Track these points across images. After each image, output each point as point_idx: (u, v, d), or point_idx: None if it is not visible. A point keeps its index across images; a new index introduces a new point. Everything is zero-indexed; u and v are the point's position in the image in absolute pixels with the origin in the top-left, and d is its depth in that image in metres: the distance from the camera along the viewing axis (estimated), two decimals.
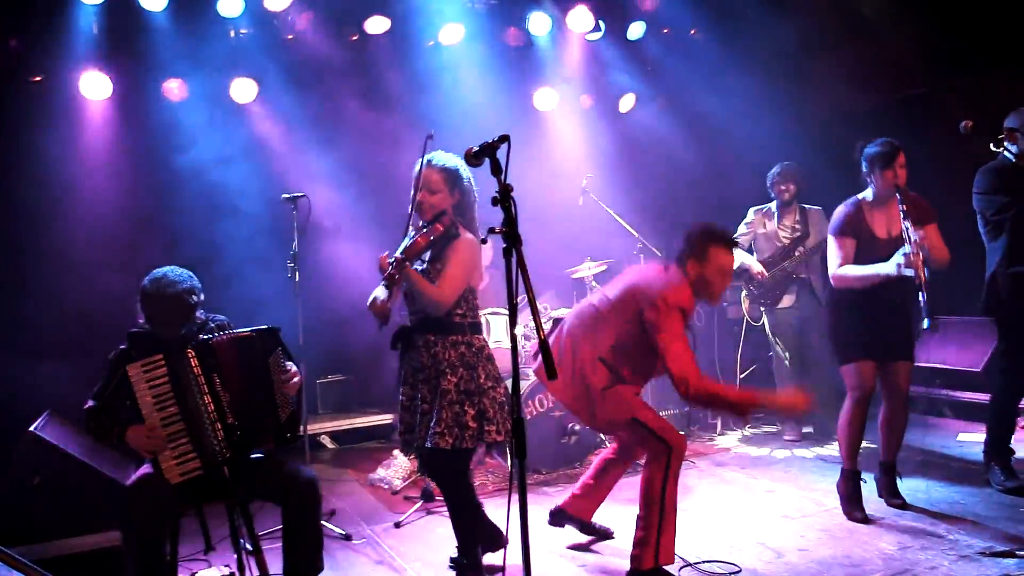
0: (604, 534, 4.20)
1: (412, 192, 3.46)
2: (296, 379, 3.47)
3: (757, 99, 6.98)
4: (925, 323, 4.00)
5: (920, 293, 3.99)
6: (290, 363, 3.47)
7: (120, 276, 4.64)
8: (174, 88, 5.96)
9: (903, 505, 4.44)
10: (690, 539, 4.09)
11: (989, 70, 6.23)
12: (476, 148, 2.48)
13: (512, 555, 2.43)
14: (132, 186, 5.94)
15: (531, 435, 5.03)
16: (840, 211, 4.40)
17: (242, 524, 3.42)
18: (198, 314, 3.42)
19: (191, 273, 3.40)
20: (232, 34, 6.07)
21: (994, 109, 4.66)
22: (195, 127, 5.99)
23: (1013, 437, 4.73)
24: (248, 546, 3.42)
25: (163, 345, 3.24)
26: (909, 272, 4.03)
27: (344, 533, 4.44)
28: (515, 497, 2.38)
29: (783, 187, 5.96)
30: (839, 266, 4.31)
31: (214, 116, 6.08)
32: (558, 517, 4.17)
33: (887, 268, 4.13)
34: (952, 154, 5.36)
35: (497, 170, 2.44)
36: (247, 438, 3.31)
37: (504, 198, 2.39)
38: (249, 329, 3.40)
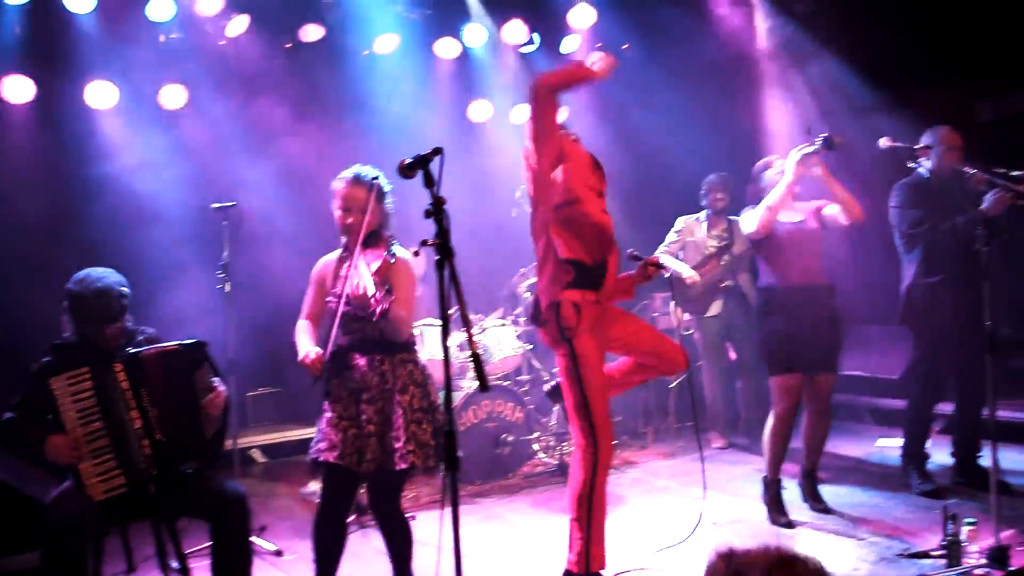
0: None
1: (341, 213, 3.30)
2: (220, 398, 3.35)
3: (686, 114, 7.15)
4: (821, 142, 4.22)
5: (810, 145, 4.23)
6: (216, 379, 3.38)
7: (41, 289, 4.49)
8: (100, 93, 5.80)
9: (826, 509, 4.57)
10: (621, 547, 4.13)
11: (905, 89, 6.53)
12: (409, 160, 2.47)
13: (445, 567, 2.43)
14: (53, 194, 5.74)
15: (465, 446, 5.04)
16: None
17: (169, 542, 3.34)
18: (127, 323, 3.35)
19: (116, 272, 3.33)
20: (162, 39, 5.95)
21: (912, 126, 4.87)
22: (122, 133, 5.84)
23: (928, 442, 4.93)
24: (175, 564, 3.35)
25: (89, 358, 3.16)
26: (798, 152, 4.25)
27: (275, 549, 4.36)
28: (448, 509, 2.38)
29: (718, 195, 6.11)
30: (753, 216, 4.40)
31: (142, 122, 5.94)
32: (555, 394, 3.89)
33: (785, 176, 4.28)
34: (871, 169, 5.59)
35: (430, 182, 2.44)
36: (175, 454, 3.24)
37: (437, 210, 2.40)
38: (176, 343, 3.32)
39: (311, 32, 6.27)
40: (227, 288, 4.86)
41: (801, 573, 1.36)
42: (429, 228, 2.43)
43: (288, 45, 6.36)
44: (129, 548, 3.41)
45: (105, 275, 3.26)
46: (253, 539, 3.61)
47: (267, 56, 6.25)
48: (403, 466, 3.17)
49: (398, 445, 3.19)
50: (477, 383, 2.36)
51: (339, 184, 3.34)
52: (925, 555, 3.80)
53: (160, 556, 3.36)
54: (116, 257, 5.30)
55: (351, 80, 6.58)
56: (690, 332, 6.36)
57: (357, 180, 3.32)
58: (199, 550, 4.00)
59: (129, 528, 3.39)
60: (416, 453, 3.20)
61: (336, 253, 3.45)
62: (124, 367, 3.17)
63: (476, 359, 2.30)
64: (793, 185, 4.29)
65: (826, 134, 4.15)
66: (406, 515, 3.45)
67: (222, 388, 3.38)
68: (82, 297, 3.19)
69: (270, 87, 6.42)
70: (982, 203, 4.37)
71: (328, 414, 3.32)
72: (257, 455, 6.53)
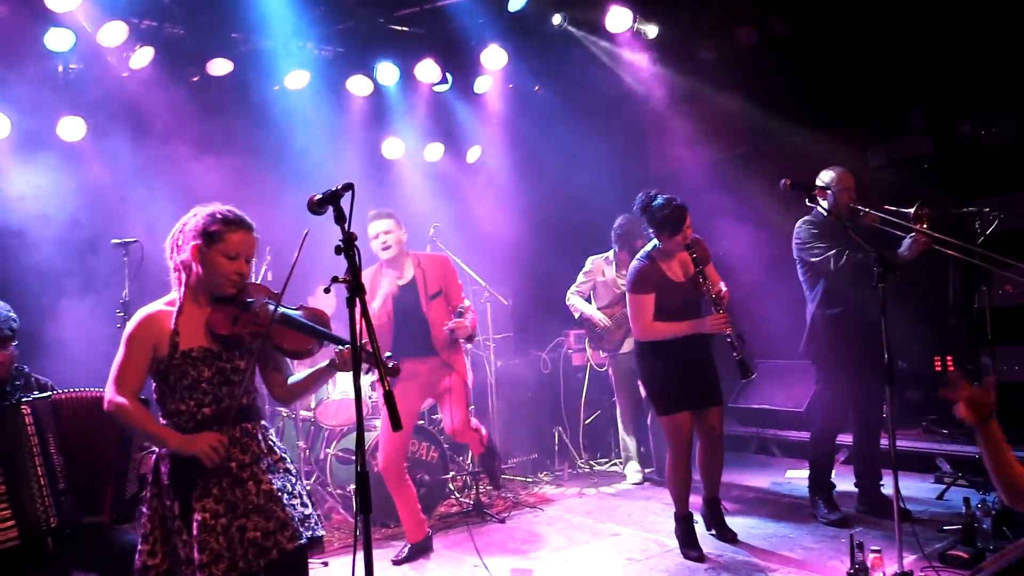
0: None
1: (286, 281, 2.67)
2: (153, 458, 3.18)
3: (598, 153, 7.30)
4: (743, 375, 4.34)
5: (733, 351, 4.29)
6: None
7: None
8: None
9: (734, 539, 4.66)
10: None
11: (801, 134, 6.84)
12: (319, 196, 2.43)
13: None
14: None
15: (378, 487, 4.91)
16: (635, 267, 4.55)
17: None
18: (15, 353, 3.16)
19: (6, 304, 3.15)
20: (60, 69, 5.72)
21: (809, 167, 5.09)
22: (15, 166, 5.57)
23: (833, 472, 5.08)
24: None
25: None
26: (720, 331, 4.33)
27: None
28: (360, 555, 2.31)
29: (637, 243, 6.18)
30: (647, 322, 4.47)
31: (37, 155, 5.68)
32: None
33: (696, 325, 4.40)
34: (771, 208, 5.81)
35: (341, 218, 2.41)
36: (80, 506, 3.05)
37: (348, 247, 2.36)
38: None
39: (219, 66, 6.14)
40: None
41: None
42: (340, 265, 2.39)
43: (195, 79, 6.20)
44: None
45: None
46: None
47: (173, 89, 6.08)
48: (321, 534, 2.78)
49: (309, 513, 2.78)
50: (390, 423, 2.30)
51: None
52: None
53: None
54: (4, 296, 5.10)
55: (260, 115, 6.46)
56: (604, 368, 6.41)
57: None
58: None
59: None
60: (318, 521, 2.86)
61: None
62: (32, 410, 2.99)
63: (389, 397, 2.24)
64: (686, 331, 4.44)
65: (745, 364, 4.31)
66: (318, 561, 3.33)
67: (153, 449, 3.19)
68: None
69: (176, 120, 6.23)
70: (900, 247, 4.60)
71: (200, 516, 2.64)
72: None
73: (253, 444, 2.68)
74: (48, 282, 5.45)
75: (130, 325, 2.63)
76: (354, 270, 2.34)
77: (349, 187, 2.41)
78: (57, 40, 5.40)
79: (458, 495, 5.83)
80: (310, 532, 2.67)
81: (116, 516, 3.19)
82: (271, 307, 2.67)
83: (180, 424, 2.61)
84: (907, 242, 4.61)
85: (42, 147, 5.74)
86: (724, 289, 4.48)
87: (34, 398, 3.06)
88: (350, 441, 5.44)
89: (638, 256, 4.60)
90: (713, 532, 4.74)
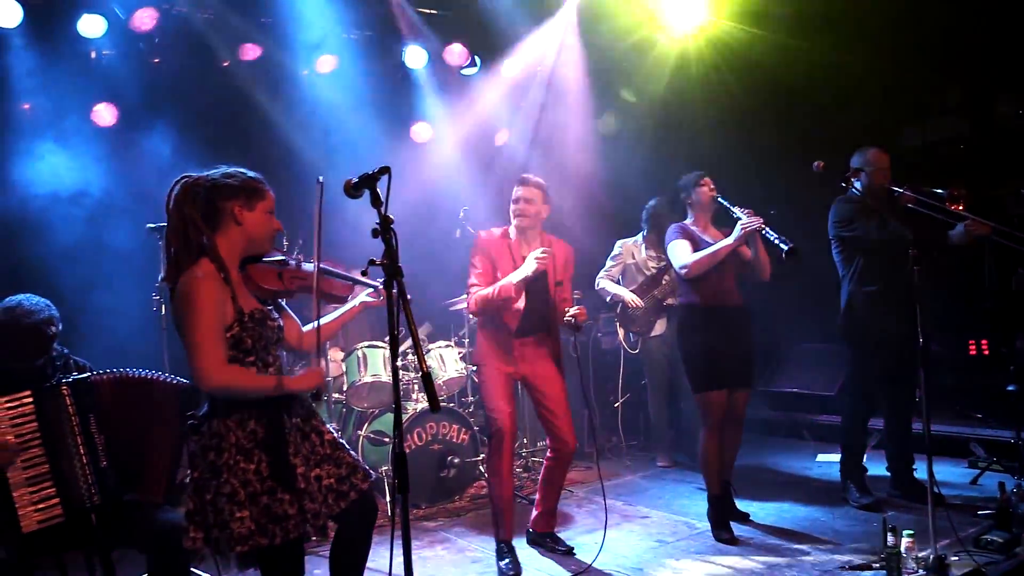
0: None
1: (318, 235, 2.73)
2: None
3: (628, 139, 7.27)
4: (791, 257, 4.23)
5: (768, 233, 4.29)
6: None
7: None
8: (28, 109, 5.61)
9: (746, 518, 4.72)
10: (571, 562, 4.14)
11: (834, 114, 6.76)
12: (355, 179, 2.44)
13: None
14: None
15: (410, 469, 4.95)
16: (672, 226, 4.70)
17: (103, 573, 3.21)
18: (56, 347, 3.22)
19: (48, 302, 3.21)
20: (93, 55, 5.79)
21: (842, 149, 5.03)
22: (50, 152, 5.65)
23: (865, 456, 5.05)
24: None
25: (26, 381, 3.02)
26: (752, 225, 4.31)
27: None
28: (398, 534, 2.34)
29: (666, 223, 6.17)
30: (688, 256, 4.50)
31: (71, 141, 5.76)
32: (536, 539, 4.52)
33: (730, 239, 4.40)
34: (803, 192, 5.75)
35: (377, 202, 2.41)
36: (122, 482, 3.11)
37: (385, 230, 2.37)
38: (158, 374, 3.24)
39: (249, 51, 6.18)
40: (163, 311, 4.72)
41: None
42: (377, 248, 2.40)
43: (225, 63, 6.25)
44: None
45: (36, 309, 3.15)
46: (193, 569, 3.49)
47: (204, 74, 6.13)
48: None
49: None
50: (422, 405, 2.34)
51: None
52: (867, 567, 3.87)
53: None
54: (45, 278, 5.18)
55: (291, 100, 6.50)
56: (636, 352, 6.40)
57: None
58: None
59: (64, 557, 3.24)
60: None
61: None
62: (72, 391, 3.05)
63: (427, 379, 2.26)
64: (733, 248, 4.42)
65: (794, 246, 4.23)
66: None
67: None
68: (8, 330, 3.08)
69: (207, 105, 6.29)
70: (953, 232, 4.56)
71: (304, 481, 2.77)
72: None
73: (305, 401, 2.79)
74: (83, 267, 5.53)
75: (193, 295, 2.50)
76: (391, 253, 2.35)
77: (385, 170, 2.41)
78: (90, 26, 5.47)
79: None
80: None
81: (167, 499, 3.24)
82: (304, 262, 2.72)
83: None
84: (959, 229, 4.55)
85: (76, 132, 5.81)
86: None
87: (74, 379, 3.11)
88: (381, 423, 5.50)
89: (673, 225, 4.72)
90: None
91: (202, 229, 2.62)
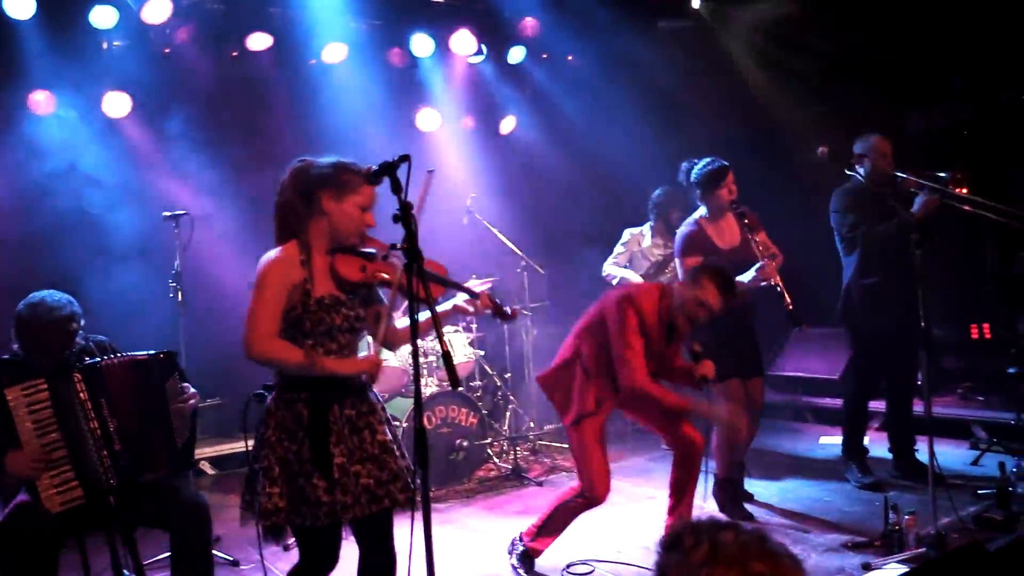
0: None
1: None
2: (193, 400, 3.34)
3: (633, 125, 7.31)
4: (795, 324, 4.32)
5: (783, 298, 4.27)
6: (187, 384, 3.35)
7: None
8: (40, 101, 5.67)
9: (750, 499, 4.80)
10: (579, 544, 4.23)
11: (839, 100, 6.81)
12: (376, 167, 2.53)
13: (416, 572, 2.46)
14: None
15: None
16: (683, 232, 4.61)
17: (127, 554, 3.30)
18: (79, 337, 3.30)
19: (71, 298, 3.26)
20: (105, 46, 5.85)
21: (845, 135, 5.09)
22: (63, 142, 5.73)
23: (866, 437, 5.13)
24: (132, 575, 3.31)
25: (43, 369, 3.10)
26: (765, 282, 4.32)
27: (232, 559, 4.33)
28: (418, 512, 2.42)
29: (676, 214, 6.18)
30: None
31: (83, 131, 5.83)
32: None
33: (743, 279, 4.33)
34: (807, 176, 5.81)
35: (397, 188, 2.49)
36: (136, 465, 3.20)
37: (405, 215, 2.45)
38: (144, 352, 3.29)
39: (258, 41, 6.24)
40: (179, 297, 4.81)
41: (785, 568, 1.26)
42: (397, 232, 2.49)
43: (235, 53, 6.31)
44: (87, 561, 3.35)
45: (58, 306, 3.18)
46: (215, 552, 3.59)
47: (213, 64, 6.20)
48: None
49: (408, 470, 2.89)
50: (431, 388, 2.41)
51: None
52: (869, 545, 3.96)
53: (115, 568, 3.32)
54: (63, 267, 5.27)
55: (299, 88, 6.56)
56: None
57: None
58: (156, 561, 3.96)
59: (86, 539, 3.34)
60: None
61: None
62: (83, 377, 3.13)
63: (447, 358, 2.35)
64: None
65: (795, 313, 4.28)
66: None
67: (192, 391, 3.36)
68: (31, 327, 3.13)
69: (217, 95, 6.36)
70: (913, 207, 4.60)
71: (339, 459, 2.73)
72: (207, 467, 6.43)
73: (370, 395, 2.81)
74: (97, 255, 5.62)
75: (263, 271, 2.63)
76: (411, 238, 2.43)
77: (405, 158, 2.49)
78: (102, 17, 5.53)
79: (497, 459, 5.96)
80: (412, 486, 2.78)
81: (174, 467, 3.32)
82: (397, 257, 2.68)
83: None
84: (919, 201, 4.60)
85: (89, 123, 5.89)
86: (779, 256, 4.50)
87: (84, 365, 3.17)
88: (389, 407, 5.56)
89: (686, 222, 4.64)
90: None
91: (300, 214, 2.72)
